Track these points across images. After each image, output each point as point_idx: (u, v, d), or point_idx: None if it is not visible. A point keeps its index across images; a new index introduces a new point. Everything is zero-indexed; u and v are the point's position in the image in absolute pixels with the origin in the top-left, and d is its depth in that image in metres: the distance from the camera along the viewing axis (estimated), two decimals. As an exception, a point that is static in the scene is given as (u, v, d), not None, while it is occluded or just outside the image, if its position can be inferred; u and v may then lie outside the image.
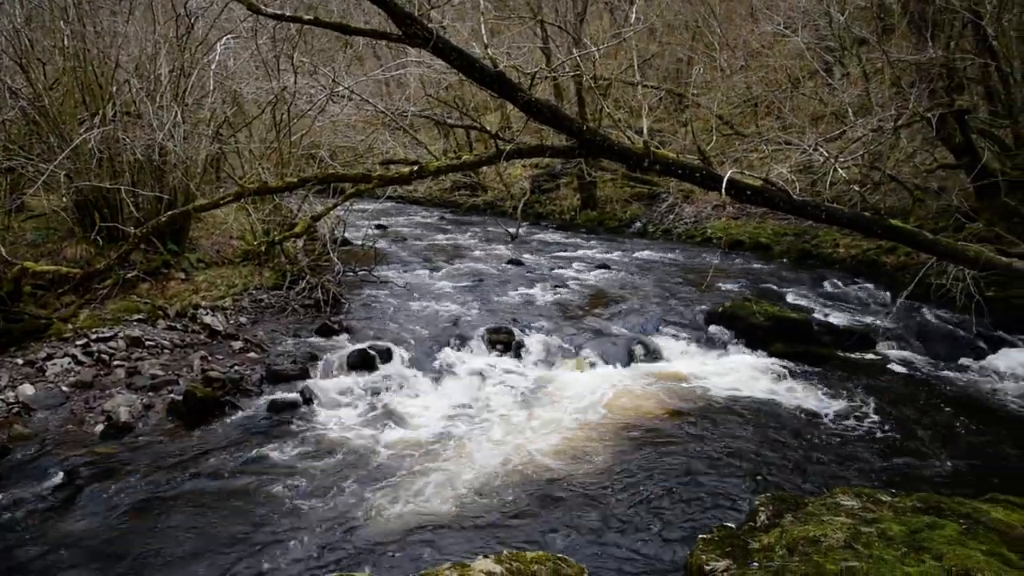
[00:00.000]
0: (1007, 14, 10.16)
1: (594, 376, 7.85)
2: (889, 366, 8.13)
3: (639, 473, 5.63)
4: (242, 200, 7.85)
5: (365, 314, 9.56)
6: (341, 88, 10.25)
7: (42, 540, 4.78)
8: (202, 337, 8.48)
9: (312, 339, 8.57)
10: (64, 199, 9.69)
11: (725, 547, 3.57)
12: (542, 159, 20.41)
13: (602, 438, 6.28)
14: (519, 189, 20.92)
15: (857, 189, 7.32)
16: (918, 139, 12.60)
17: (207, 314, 8.92)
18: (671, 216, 17.47)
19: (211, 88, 10.51)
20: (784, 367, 7.97)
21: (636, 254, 14.27)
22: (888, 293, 10.50)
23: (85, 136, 8.71)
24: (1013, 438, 6.27)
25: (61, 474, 5.61)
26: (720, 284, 11.11)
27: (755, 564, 3.31)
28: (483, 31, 6.05)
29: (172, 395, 6.95)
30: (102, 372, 7.37)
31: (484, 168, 19.46)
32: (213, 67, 10.18)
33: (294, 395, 7.11)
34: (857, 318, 9.41)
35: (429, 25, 5.29)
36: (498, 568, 2.68)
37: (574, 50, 13.62)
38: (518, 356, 8.26)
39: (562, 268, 12.66)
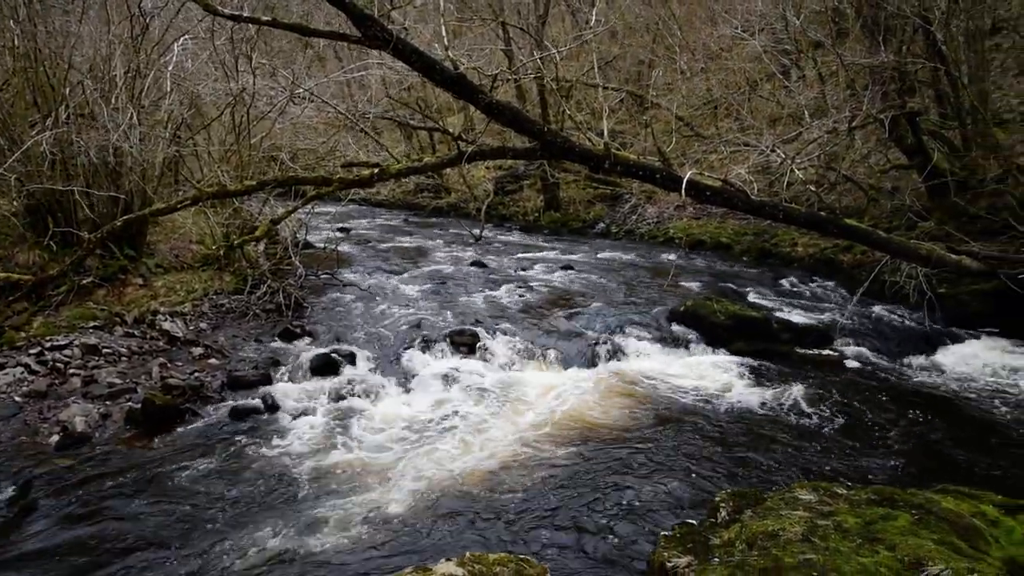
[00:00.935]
0: (955, 19, 10.46)
1: (558, 377, 7.90)
2: (846, 362, 8.31)
3: (603, 472, 5.67)
4: (201, 204, 7.74)
5: (328, 318, 9.48)
6: (301, 90, 10.17)
7: (-5, 554, 4.66)
8: (161, 344, 8.33)
9: (274, 344, 8.47)
10: (15, 203, 9.44)
11: (687, 543, 3.62)
12: (505, 161, 20.47)
13: (566, 439, 6.32)
14: (483, 191, 20.93)
15: (813, 189, 7.48)
16: (872, 140, 12.91)
17: (166, 320, 8.77)
18: (634, 217, 17.62)
19: (168, 89, 10.32)
20: (745, 365, 8.11)
21: (599, 255, 14.37)
22: (845, 291, 10.74)
23: (37, 138, 8.50)
24: (963, 430, 6.46)
25: (13, 487, 5.47)
26: (682, 283, 11.25)
27: (716, 559, 3.36)
28: (444, 33, 6.05)
29: (130, 403, 6.82)
30: (57, 381, 7.19)
31: (447, 170, 19.45)
32: (170, 68, 9.99)
33: (256, 401, 7.03)
34: (815, 316, 9.60)
35: (389, 27, 5.28)
36: (460, 571, 2.69)
37: (536, 52, 13.68)
38: (483, 358, 8.26)
39: (526, 269, 12.70)
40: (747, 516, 3.77)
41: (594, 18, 9.26)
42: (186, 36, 10.48)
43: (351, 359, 7.95)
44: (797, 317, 9.48)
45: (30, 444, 6.18)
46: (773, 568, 3.08)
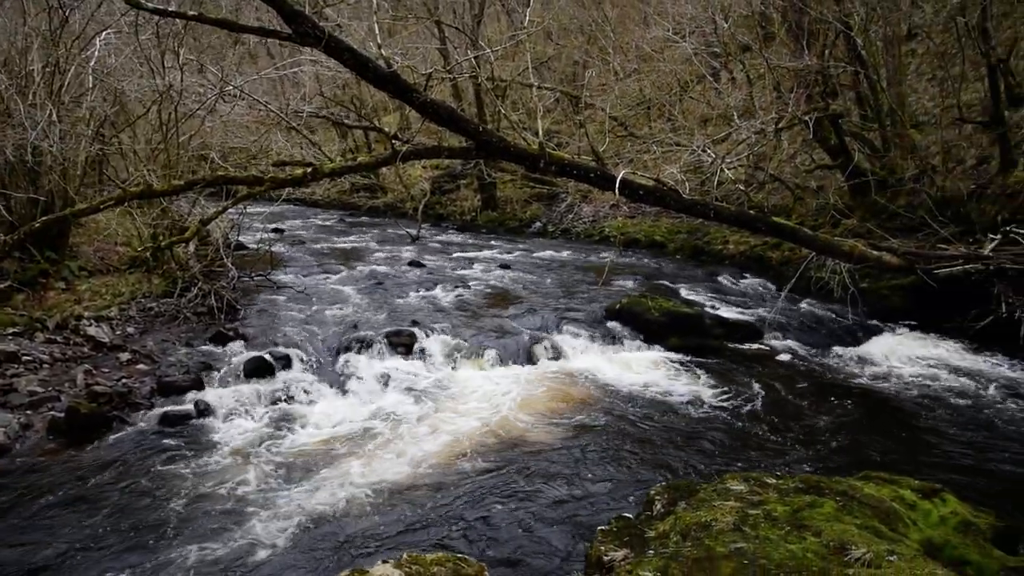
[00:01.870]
0: (874, 25, 10.91)
1: (496, 375, 7.92)
2: (775, 356, 8.59)
3: (540, 470, 5.72)
4: (126, 204, 7.48)
5: (262, 320, 9.29)
6: (231, 87, 9.91)
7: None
8: (86, 350, 8.02)
9: (206, 348, 8.25)
10: (-76, 205, 8.96)
11: (623, 537, 3.68)
12: (442, 160, 20.38)
13: (503, 438, 6.35)
14: (419, 190, 20.83)
15: (743, 188, 7.70)
16: (798, 141, 13.35)
17: (91, 325, 8.45)
18: (570, 216, 17.80)
19: (90, 85, 9.92)
20: (679, 360, 8.30)
21: (536, 254, 14.46)
22: (774, 287, 11.09)
23: (-53, 137, 8.10)
24: (884, 419, 6.76)
25: (-74, 501, 5.21)
26: (618, 281, 11.42)
27: (651, 552, 3.43)
28: (377, 31, 6.00)
29: (53, 412, 6.54)
30: (-28, 390, 6.85)
31: (384, 169, 19.28)
32: (92, 63, 9.61)
33: (187, 407, 6.84)
34: (746, 311, 9.88)
35: (322, 24, 5.21)
36: (397, 572, 2.68)
37: (471, 51, 13.68)
38: (420, 358, 8.23)
39: (463, 269, 12.70)
40: (681, 508, 3.85)
41: (528, 18, 9.31)
42: (108, 30, 10.07)
43: (286, 361, 7.81)
44: (729, 313, 9.74)
45: (-57, 457, 5.88)
46: (706, 558, 3.16)
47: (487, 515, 5.03)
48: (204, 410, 6.76)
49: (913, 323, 9.24)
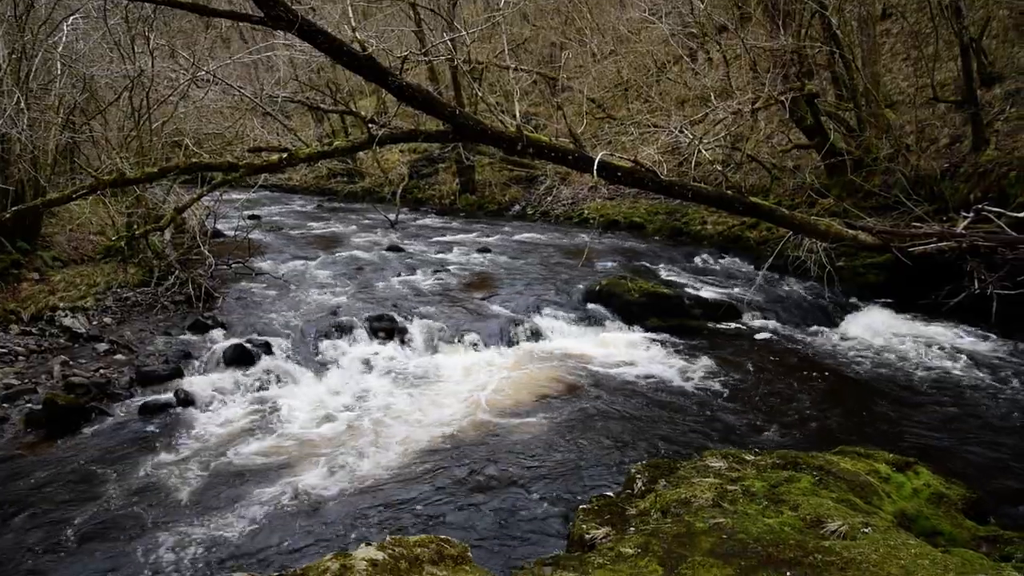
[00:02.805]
0: (848, 4, 10.95)
1: (477, 359, 7.94)
2: (754, 334, 8.69)
3: (522, 451, 5.76)
4: (99, 192, 7.37)
5: (241, 308, 9.23)
6: (204, 72, 9.78)
7: None
8: (62, 341, 7.94)
9: (185, 336, 8.19)
10: None
11: (604, 515, 3.72)
12: (420, 144, 20.25)
13: (485, 420, 6.38)
14: (397, 175, 20.71)
15: (720, 169, 7.75)
16: (775, 121, 13.42)
17: (67, 316, 8.35)
18: (549, 198, 17.80)
19: (58, 72, 9.74)
20: (659, 340, 8.36)
21: (516, 236, 14.45)
22: (752, 266, 11.17)
23: (-88, 126, 7.93)
24: (858, 394, 6.87)
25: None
26: (598, 263, 11.46)
27: (632, 529, 3.48)
28: (351, 13, 5.94)
29: (30, 405, 6.47)
30: (-54, 384, 6.76)
31: (361, 154, 19.14)
32: (59, 49, 9.43)
33: (167, 396, 6.80)
34: (725, 291, 9.95)
35: (295, 7, 5.14)
36: (380, 555, 2.69)
37: (447, 34, 13.56)
38: (401, 343, 8.22)
39: (443, 253, 12.67)
40: (661, 485, 3.91)
41: None
42: (76, 15, 9.88)
43: (267, 349, 7.77)
44: (708, 293, 9.81)
45: (-82, 452, 5.81)
46: (686, 533, 3.21)
47: (469, 497, 5.07)
48: (184, 399, 6.72)
49: (888, 300, 9.36)
